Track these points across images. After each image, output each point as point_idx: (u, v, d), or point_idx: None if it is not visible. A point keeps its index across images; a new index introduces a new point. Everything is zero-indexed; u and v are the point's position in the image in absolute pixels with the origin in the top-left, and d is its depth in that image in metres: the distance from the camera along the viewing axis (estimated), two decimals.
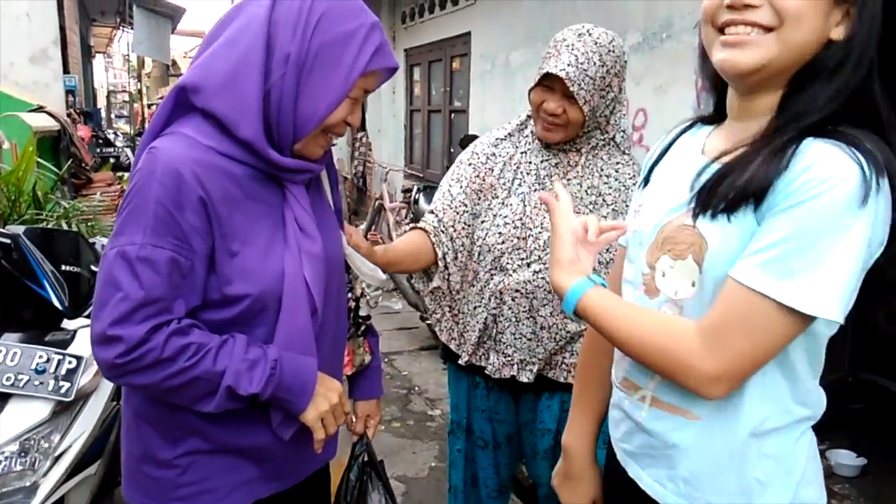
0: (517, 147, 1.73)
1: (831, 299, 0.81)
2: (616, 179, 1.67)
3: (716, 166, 0.93)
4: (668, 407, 0.97)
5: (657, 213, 1.00)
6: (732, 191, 0.86)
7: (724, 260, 0.87)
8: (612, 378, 1.12)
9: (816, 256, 0.80)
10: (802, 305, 0.81)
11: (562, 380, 1.72)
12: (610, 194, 1.67)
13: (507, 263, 1.68)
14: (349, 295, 1.42)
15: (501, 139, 1.77)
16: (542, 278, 1.66)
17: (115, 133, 12.84)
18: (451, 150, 6.39)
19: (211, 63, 1.08)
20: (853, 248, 0.80)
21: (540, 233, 1.65)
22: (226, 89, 1.06)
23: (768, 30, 0.86)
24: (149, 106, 19.01)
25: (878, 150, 0.82)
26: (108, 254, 1.04)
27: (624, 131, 1.73)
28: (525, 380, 1.71)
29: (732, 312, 0.85)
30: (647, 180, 1.11)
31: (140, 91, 17.48)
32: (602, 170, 1.68)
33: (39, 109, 5.37)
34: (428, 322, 1.70)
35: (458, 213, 1.72)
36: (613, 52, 1.58)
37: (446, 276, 1.76)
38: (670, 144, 1.10)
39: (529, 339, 1.69)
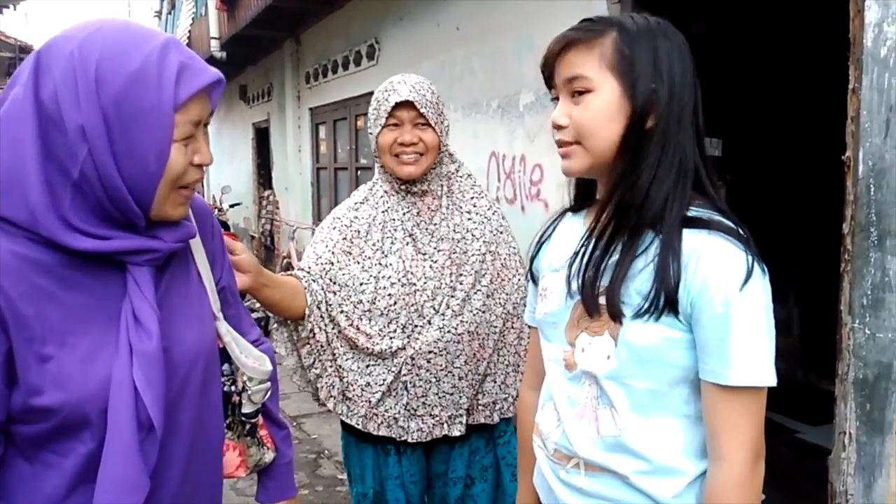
0: (377, 208, 1.75)
1: (771, 368, 0.98)
2: (477, 213, 1.78)
3: (593, 252, 1.07)
4: (600, 469, 1.08)
5: (563, 295, 1.13)
6: (640, 300, 1.00)
7: (641, 338, 1.01)
8: (536, 450, 1.21)
9: (758, 342, 0.97)
10: (764, 381, 0.98)
11: (482, 420, 1.77)
12: (477, 228, 1.76)
13: (407, 324, 1.68)
14: (232, 388, 1.26)
15: (360, 202, 1.78)
16: (448, 331, 1.68)
17: None
18: None
19: None
20: (770, 318, 0.99)
21: (425, 283, 1.68)
22: (5, 195, 0.90)
23: (577, 143, 1.05)
24: None
25: (740, 228, 1.01)
26: None
27: (459, 166, 1.84)
28: (457, 433, 1.74)
29: (730, 414, 0.99)
30: (533, 266, 1.25)
31: None
32: (461, 207, 1.77)
33: None
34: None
35: (324, 268, 1.71)
36: (432, 86, 1.72)
37: (322, 327, 1.72)
38: (548, 234, 1.25)
39: (451, 394, 1.72)
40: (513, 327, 1.81)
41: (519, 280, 1.81)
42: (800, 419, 3.93)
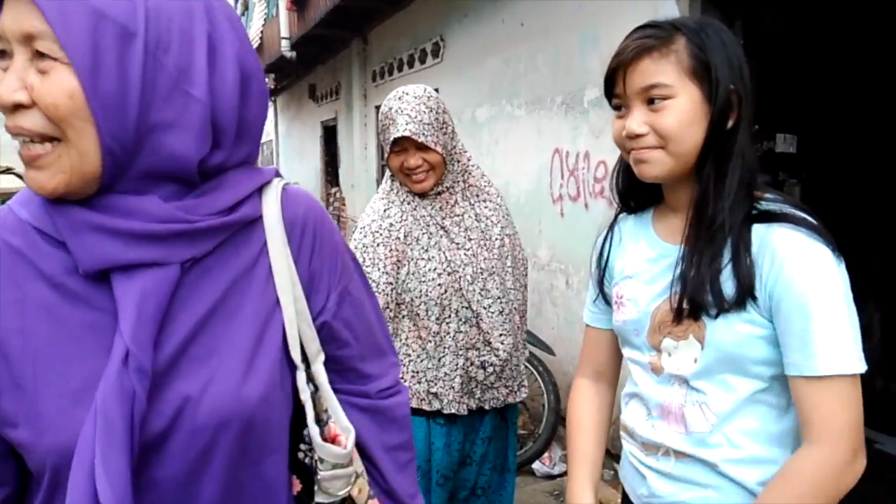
0: (403, 210, 1.85)
1: (857, 354, 0.98)
2: (490, 201, 1.93)
3: (678, 257, 1.09)
4: (689, 457, 1.11)
5: (641, 302, 1.15)
6: (722, 299, 1.02)
7: (724, 335, 1.03)
8: (624, 442, 1.25)
9: (841, 330, 0.96)
10: (851, 368, 0.97)
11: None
12: (494, 214, 1.91)
13: (460, 308, 1.83)
14: (305, 459, 0.90)
15: (386, 209, 1.86)
16: (503, 312, 1.87)
17: None
18: None
19: None
20: (851, 303, 0.98)
21: (464, 269, 1.83)
22: None
23: (660, 147, 1.05)
24: None
25: (812, 217, 1.01)
26: None
27: (469, 157, 1.95)
28: (524, 395, 1.97)
29: (822, 403, 0.98)
30: (604, 272, 1.26)
31: None
32: (478, 196, 1.91)
33: (7, 171, 5.36)
34: None
35: (387, 294, 1.81)
36: (431, 97, 1.81)
37: (401, 338, 1.86)
38: (612, 239, 1.26)
39: (517, 365, 1.95)
40: (527, 300, 2.04)
41: (523, 255, 2.03)
42: (879, 429, 3.76)
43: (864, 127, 4.12)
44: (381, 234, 1.82)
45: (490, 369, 1.86)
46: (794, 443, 1.06)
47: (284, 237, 0.86)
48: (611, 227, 1.27)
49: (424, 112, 1.77)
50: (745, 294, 1.00)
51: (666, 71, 1.02)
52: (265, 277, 0.85)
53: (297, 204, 0.89)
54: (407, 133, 1.74)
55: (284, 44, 8.23)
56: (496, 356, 1.85)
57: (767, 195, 1.06)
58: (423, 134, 1.75)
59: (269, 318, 0.84)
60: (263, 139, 16.97)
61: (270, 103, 14.12)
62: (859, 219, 4.21)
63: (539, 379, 3.51)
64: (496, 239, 1.89)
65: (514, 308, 1.92)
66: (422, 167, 1.79)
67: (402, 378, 1.84)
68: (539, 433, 3.50)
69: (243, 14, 11.85)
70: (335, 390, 0.94)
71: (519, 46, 4.40)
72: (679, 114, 1.02)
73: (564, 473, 3.44)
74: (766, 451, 1.06)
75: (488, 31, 4.82)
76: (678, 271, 1.07)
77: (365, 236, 1.84)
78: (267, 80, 13.54)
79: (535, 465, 3.53)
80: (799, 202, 1.05)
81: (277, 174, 0.93)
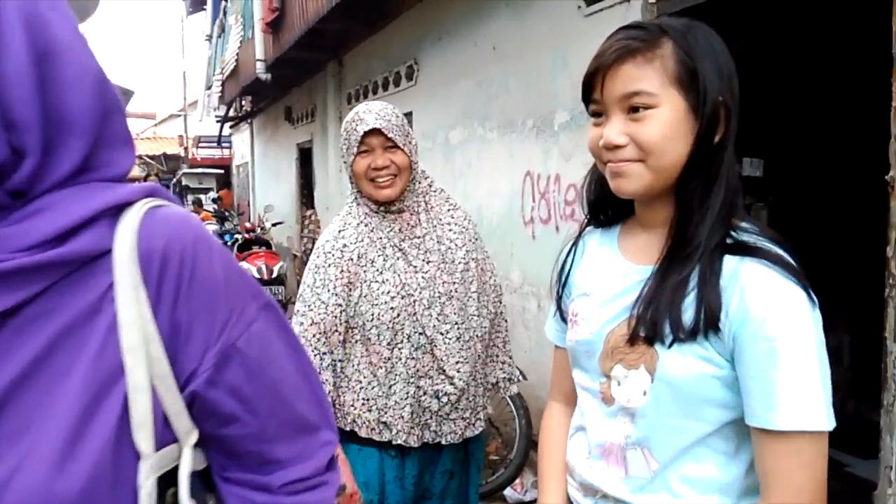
0: (359, 231, 1.81)
1: (825, 410, 0.89)
2: (456, 224, 1.88)
3: (640, 278, 1.01)
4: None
5: (596, 322, 1.06)
6: (680, 326, 0.93)
7: (676, 368, 0.95)
8: (568, 480, 1.17)
9: (809, 381, 0.88)
10: (816, 425, 0.88)
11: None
12: (458, 237, 1.86)
13: (412, 333, 1.76)
14: None
15: (341, 230, 1.82)
16: (464, 339, 1.80)
17: None
18: None
19: None
20: (823, 354, 0.90)
21: (421, 293, 1.77)
22: None
23: (640, 160, 0.96)
24: None
25: (789, 256, 0.93)
26: None
27: (431, 181, 1.92)
28: (481, 429, 1.89)
29: (782, 459, 0.90)
30: (563, 286, 1.18)
31: None
32: (441, 219, 1.87)
33: None
34: None
35: (336, 317, 1.76)
36: (395, 109, 1.81)
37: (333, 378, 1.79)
38: (575, 253, 1.18)
39: (475, 396, 1.86)
40: (499, 326, 1.98)
41: (494, 281, 1.97)
42: (850, 452, 3.76)
43: (830, 150, 4.17)
44: (333, 255, 1.78)
45: (444, 399, 1.78)
46: (742, 493, 0.98)
47: (138, 277, 0.64)
48: (575, 240, 1.19)
49: (392, 115, 1.78)
50: (706, 325, 0.91)
51: (649, 77, 0.93)
52: (106, 331, 0.63)
53: (159, 232, 0.67)
54: (377, 125, 1.73)
55: (260, 66, 8.20)
56: (451, 385, 1.78)
57: (744, 224, 0.97)
58: (392, 130, 1.75)
59: (106, 387, 0.62)
60: (239, 161, 16.91)
61: (246, 125, 14.05)
62: (827, 241, 4.25)
63: (511, 404, 3.46)
64: (459, 262, 1.84)
65: (476, 335, 1.85)
66: (389, 168, 1.75)
67: (353, 405, 1.78)
68: (511, 459, 3.45)
69: (220, 36, 11.82)
70: (225, 480, 0.74)
71: (491, 69, 4.42)
72: (662, 125, 0.93)
73: (535, 500, 3.39)
74: (714, 501, 0.97)
75: (461, 55, 4.84)
76: (642, 292, 0.98)
77: (318, 257, 1.81)
78: (243, 102, 13.43)
79: (507, 492, 3.48)
80: (776, 234, 0.97)
81: (151, 194, 0.70)
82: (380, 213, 1.82)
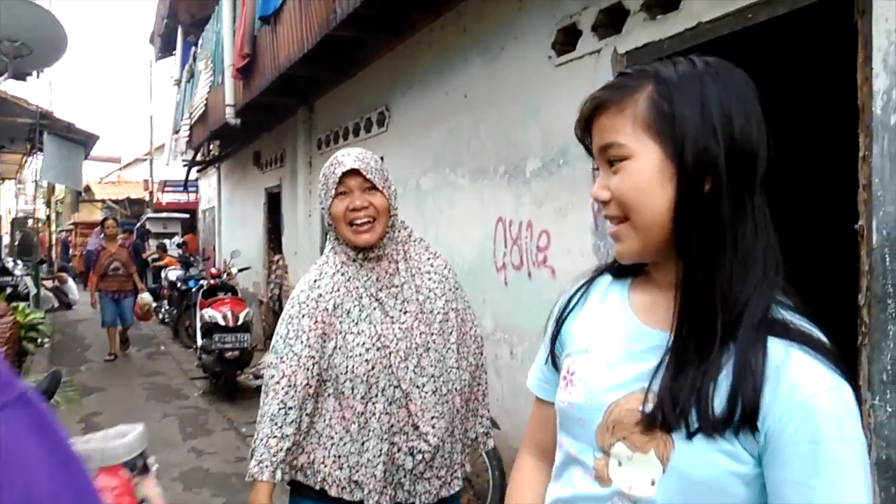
0: (335, 281, 1.77)
1: None
2: (436, 273, 1.85)
3: (653, 345, 0.89)
4: None
5: (596, 387, 0.93)
6: (708, 417, 0.81)
7: (695, 463, 0.82)
8: None
9: (851, 490, 0.77)
10: None
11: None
12: (437, 287, 1.82)
13: (387, 387, 1.70)
14: None
15: (317, 279, 1.79)
16: (440, 393, 1.73)
17: (15, 261, 12.30)
18: None
19: None
20: (867, 460, 0.80)
21: (397, 345, 1.72)
22: None
23: (625, 218, 0.89)
24: (58, 232, 18.39)
25: (825, 337, 0.84)
26: None
27: (411, 230, 1.91)
28: (457, 489, 1.83)
29: None
30: (558, 332, 1.05)
31: (49, 217, 16.97)
32: (420, 268, 1.83)
33: None
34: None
35: (308, 369, 1.71)
36: (374, 154, 1.81)
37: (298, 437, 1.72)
38: (579, 298, 1.05)
39: (451, 453, 1.80)
40: (480, 378, 1.92)
41: (476, 332, 1.92)
42: None
43: (799, 200, 4.24)
44: (307, 305, 1.74)
45: (419, 457, 1.72)
46: None
47: None
48: (585, 283, 1.05)
49: (371, 159, 1.78)
50: (741, 420, 0.79)
51: (621, 127, 0.87)
52: None
53: None
54: (356, 166, 1.72)
55: (229, 111, 8.18)
56: (425, 442, 1.72)
57: (778, 296, 0.86)
58: (371, 172, 1.73)
59: None
60: (205, 206, 16.76)
61: (214, 170, 13.96)
62: (798, 291, 4.30)
63: (483, 454, 3.40)
64: (438, 312, 1.79)
65: (455, 388, 1.79)
66: (367, 210, 1.72)
67: (324, 463, 1.71)
68: None
69: (189, 81, 11.81)
70: None
71: (462, 117, 4.46)
72: (633, 176, 0.86)
73: None
74: None
75: (433, 102, 4.89)
76: (662, 368, 0.85)
77: (292, 307, 1.77)
78: (211, 146, 13.36)
79: None
80: (810, 311, 0.87)
81: None
82: (357, 260, 1.78)
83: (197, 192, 17.56)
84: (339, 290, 1.75)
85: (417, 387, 1.72)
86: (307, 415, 1.72)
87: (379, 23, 5.11)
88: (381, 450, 1.69)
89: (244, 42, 7.08)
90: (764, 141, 0.87)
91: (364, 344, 1.71)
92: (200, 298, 8.06)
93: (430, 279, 1.83)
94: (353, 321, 1.73)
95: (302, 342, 1.71)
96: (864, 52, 2.01)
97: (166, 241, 15.61)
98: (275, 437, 1.68)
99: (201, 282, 8.95)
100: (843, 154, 2.40)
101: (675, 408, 0.83)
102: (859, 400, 2.05)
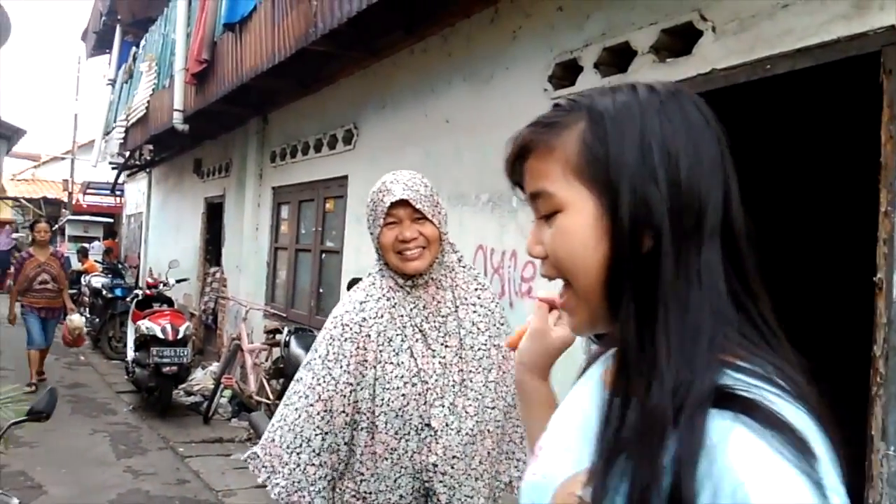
0: (380, 306, 1.72)
1: None
2: (482, 306, 1.78)
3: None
4: None
5: (556, 468, 0.75)
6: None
7: None
8: None
9: None
10: None
11: None
12: (482, 321, 1.76)
13: (420, 425, 1.64)
14: None
15: (363, 301, 1.74)
16: (467, 433, 1.66)
17: None
18: (321, 291, 6.22)
19: None
20: None
21: (436, 381, 1.66)
22: None
23: (568, 284, 0.74)
24: None
25: (805, 414, 0.63)
26: None
27: (461, 255, 1.85)
28: None
29: None
30: None
31: None
32: (466, 299, 1.76)
33: None
34: None
35: (345, 396, 1.64)
36: (425, 179, 1.77)
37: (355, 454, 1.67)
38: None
39: (471, 497, 1.70)
40: (514, 420, 1.82)
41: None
42: None
43: (817, 251, 4.29)
44: (351, 329, 1.68)
45: (434, 499, 1.66)
46: None
47: None
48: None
49: (420, 185, 1.72)
50: None
51: (550, 173, 0.72)
52: None
53: None
54: (405, 196, 1.66)
55: (177, 116, 7.87)
56: (442, 483, 1.65)
57: (745, 352, 0.67)
58: (420, 202, 1.68)
59: None
60: (132, 211, 16.02)
61: (144, 174, 13.39)
62: (814, 342, 4.38)
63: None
64: (479, 349, 1.73)
65: (487, 430, 1.71)
66: (417, 240, 1.68)
67: (354, 498, 1.65)
68: None
69: (126, 82, 11.33)
70: None
71: (442, 141, 4.42)
72: (564, 234, 0.71)
73: None
74: None
75: (409, 124, 4.82)
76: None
77: (335, 327, 1.70)
78: (144, 151, 12.85)
79: None
80: (798, 375, 0.69)
81: None
82: (405, 287, 1.73)
83: (122, 196, 16.83)
84: (383, 315, 1.70)
85: (448, 425, 1.66)
86: (345, 443, 1.65)
87: (354, 39, 5.03)
88: (412, 487, 1.65)
89: (202, 47, 6.84)
90: (719, 184, 0.70)
91: (402, 377, 1.65)
92: (134, 309, 7.66)
93: (475, 312, 1.77)
94: (393, 351, 1.67)
95: (342, 367, 1.65)
96: (889, 110, 2.09)
97: (86, 245, 14.83)
98: (312, 464, 1.63)
99: (136, 291, 8.52)
100: (856, 205, 2.48)
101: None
102: (872, 449, 2.10)
